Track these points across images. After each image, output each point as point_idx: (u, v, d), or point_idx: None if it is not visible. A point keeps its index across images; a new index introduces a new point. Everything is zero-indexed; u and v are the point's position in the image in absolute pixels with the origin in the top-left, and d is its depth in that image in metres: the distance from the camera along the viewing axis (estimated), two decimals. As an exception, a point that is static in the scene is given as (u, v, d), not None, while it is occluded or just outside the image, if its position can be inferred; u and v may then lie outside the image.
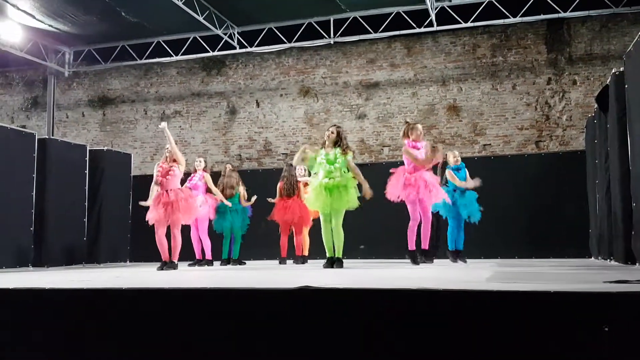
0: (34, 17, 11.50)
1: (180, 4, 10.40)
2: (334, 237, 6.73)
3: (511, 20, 10.96)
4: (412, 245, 6.66)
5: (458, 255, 7.79)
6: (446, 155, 7.86)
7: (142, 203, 7.55)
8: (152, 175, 7.43)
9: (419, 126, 7.00)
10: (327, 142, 6.70)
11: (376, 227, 10.29)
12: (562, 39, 11.72)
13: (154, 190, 7.26)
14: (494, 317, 2.82)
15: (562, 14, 10.65)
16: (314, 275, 5.08)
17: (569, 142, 11.53)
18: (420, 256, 6.93)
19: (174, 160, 7.18)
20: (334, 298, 3.15)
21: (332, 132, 6.73)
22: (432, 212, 7.68)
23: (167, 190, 7.03)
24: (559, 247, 9.65)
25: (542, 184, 10.01)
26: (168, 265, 7.04)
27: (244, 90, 13.56)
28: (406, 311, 2.94)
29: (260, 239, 10.01)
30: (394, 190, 6.83)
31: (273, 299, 3.20)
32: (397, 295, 3.03)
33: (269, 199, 8.95)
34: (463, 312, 2.89)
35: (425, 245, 6.81)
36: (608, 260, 7.47)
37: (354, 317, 3.01)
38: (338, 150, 6.65)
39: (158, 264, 7.27)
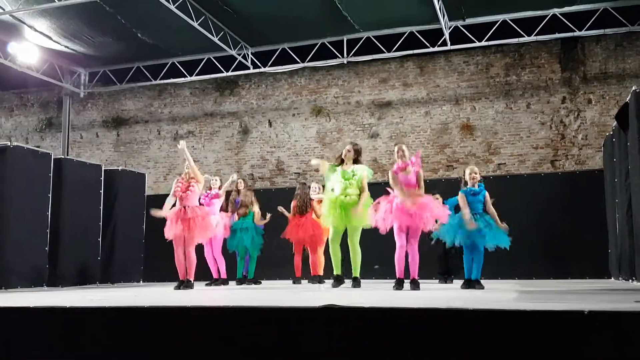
0: (50, 38, 11.64)
1: (196, 25, 10.49)
2: (351, 255, 6.67)
3: (525, 39, 10.95)
4: (400, 273, 6.18)
5: (471, 284, 6.61)
6: (464, 172, 6.80)
7: (155, 212, 7.39)
8: (165, 195, 7.43)
9: (403, 146, 6.41)
10: (345, 160, 6.71)
11: (390, 247, 10.18)
12: (576, 57, 11.69)
13: (169, 203, 7.22)
14: (527, 337, 2.75)
15: (577, 33, 10.63)
16: (333, 294, 5.01)
17: (585, 161, 11.43)
18: (412, 286, 6.25)
19: (193, 178, 7.18)
20: (359, 317, 3.09)
21: (349, 150, 6.74)
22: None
23: (185, 207, 7.03)
24: (577, 268, 9.50)
25: (559, 204, 9.89)
26: (185, 284, 6.99)
27: (256, 110, 13.60)
28: (436, 330, 2.87)
29: (273, 258, 9.92)
30: (380, 221, 6.27)
31: (297, 317, 3.14)
32: (426, 314, 2.96)
33: (280, 208, 8.90)
34: (494, 331, 2.82)
35: (415, 274, 6.24)
36: (630, 280, 7.33)
37: (380, 336, 2.95)
38: (356, 167, 6.66)
39: (171, 284, 7.22)
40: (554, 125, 11.69)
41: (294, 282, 8.74)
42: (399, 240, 6.21)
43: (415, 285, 6.13)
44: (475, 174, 6.55)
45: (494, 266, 9.72)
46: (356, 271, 6.68)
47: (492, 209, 6.50)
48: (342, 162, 6.75)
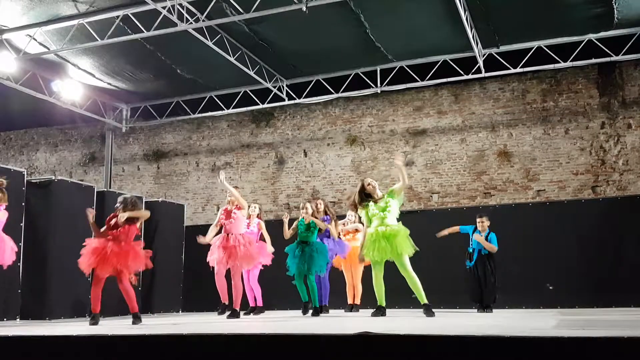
0: (93, 75, 12.09)
1: (233, 60, 10.77)
2: (409, 284, 6.61)
3: (561, 65, 10.86)
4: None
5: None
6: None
7: (200, 239, 7.60)
8: (204, 225, 7.57)
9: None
10: (373, 195, 6.79)
11: (426, 275, 10.07)
12: (614, 82, 11.51)
13: (212, 231, 7.37)
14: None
15: (614, 58, 10.50)
16: (366, 321, 5.00)
17: (626, 186, 11.16)
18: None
19: (237, 207, 7.26)
20: (394, 344, 3.08)
21: (374, 186, 6.88)
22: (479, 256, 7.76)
23: (228, 234, 7.10)
24: (622, 295, 9.21)
25: (602, 230, 9.64)
26: (230, 313, 7.00)
27: (291, 140, 13.77)
28: (472, 358, 2.85)
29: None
30: None
31: (333, 345, 3.16)
32: (463, 342, 2.94)
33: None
34: (530, 359, 2.78)
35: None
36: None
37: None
38: (384, 196, 6.75)
39: (210, 313, 7.28)
40: (594, 150, 11.48)
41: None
42: None
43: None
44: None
45: (536, 295, 9.55)
46: (422, 298, 6.58)
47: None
48: (369, 197, 6.85)
